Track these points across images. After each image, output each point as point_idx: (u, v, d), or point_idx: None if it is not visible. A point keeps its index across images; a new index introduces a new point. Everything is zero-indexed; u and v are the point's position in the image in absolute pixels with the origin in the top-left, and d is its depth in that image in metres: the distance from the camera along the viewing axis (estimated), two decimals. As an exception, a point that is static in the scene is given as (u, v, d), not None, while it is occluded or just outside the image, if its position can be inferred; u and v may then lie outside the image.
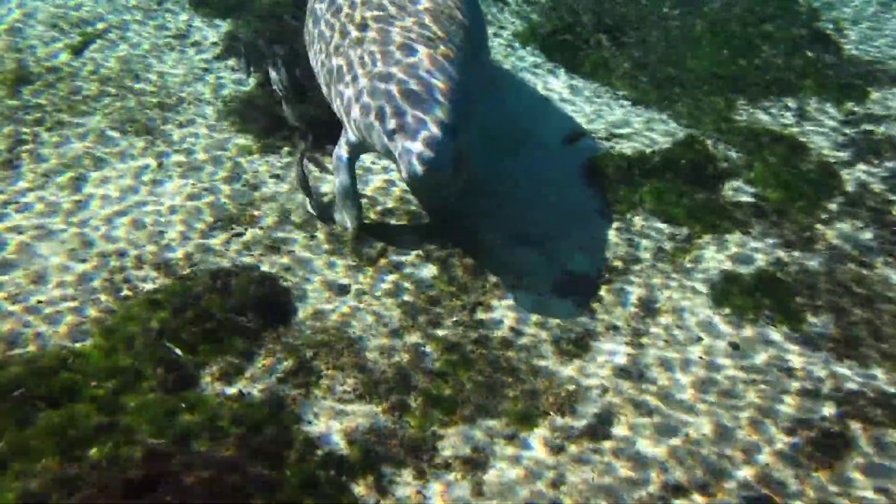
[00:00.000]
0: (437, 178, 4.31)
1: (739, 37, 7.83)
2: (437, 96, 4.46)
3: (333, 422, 3.89)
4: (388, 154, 4.58)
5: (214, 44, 7.31)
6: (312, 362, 4.20)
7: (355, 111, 4.73)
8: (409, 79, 4.53)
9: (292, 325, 4.45)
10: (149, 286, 4.52)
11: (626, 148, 6.30)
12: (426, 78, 4.53)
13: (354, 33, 4.95)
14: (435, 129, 4.30)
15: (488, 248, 5.06)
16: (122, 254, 4.79)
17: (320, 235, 5.09)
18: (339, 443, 3.77)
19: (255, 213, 5.32)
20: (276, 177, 5.74)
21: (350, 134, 4.98)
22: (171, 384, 3.89)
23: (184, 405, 3.76)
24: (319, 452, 3.69)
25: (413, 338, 4.41)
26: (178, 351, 4.08)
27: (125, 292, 4.48)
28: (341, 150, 5.08)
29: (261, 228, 5.18)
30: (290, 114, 5.84)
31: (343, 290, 4.75)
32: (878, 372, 4.23)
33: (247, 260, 4.87)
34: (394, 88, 4.51)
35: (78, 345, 4.12)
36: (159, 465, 3.21)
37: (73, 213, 5.13)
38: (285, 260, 4.91)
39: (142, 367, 3.98)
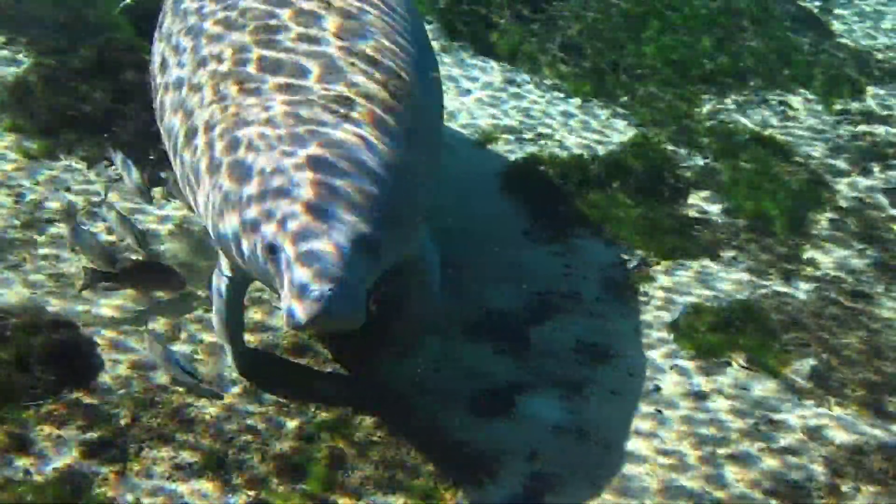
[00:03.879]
0: (337, 324, 4.09)
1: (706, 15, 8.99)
2: (345, 191, 4.18)
3: (161, 506, 4.27)
4: (270, 285, 4.36)
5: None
6: (129, 431, 4.57)
7: (216, 221, 4.48)
8: (299, 167, 4.24)
9: (98, 382, 4.82)
10: None
11: (558, 151, 7.12)
12: (330, 164, 4.26)
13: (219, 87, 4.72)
14: (334, 248, 3.99)
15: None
16: None
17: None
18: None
19: (38, 237, 5.71)
20: (68, 189, 6.17)
21: (222, 260, 4.85)
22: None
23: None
24: (146, 542, 4.05)
25: (272, 397, 4.87)
26: None
27: None
28: (220, 281, 4.94)
29: (45, 259, 5.55)
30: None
31: (172, 335, 5.18)
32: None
33: (29, 297, 5.21)
34: (274, 186, 4.22)
35: None
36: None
37: None
38: (84, 299, 5.29)
39: None
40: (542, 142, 7.30)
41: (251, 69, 4.71)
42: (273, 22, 4.89)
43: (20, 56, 7.43)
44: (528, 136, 7.38)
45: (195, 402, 4.77)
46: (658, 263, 6.15)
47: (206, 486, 4.37)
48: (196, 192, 4.71)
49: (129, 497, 4.26)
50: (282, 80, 4.64)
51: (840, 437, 4.94)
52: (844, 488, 4.64)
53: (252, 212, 4.23)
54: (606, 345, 5.49)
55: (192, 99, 4.81)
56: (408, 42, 5.18)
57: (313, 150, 4.31)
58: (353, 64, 4.77)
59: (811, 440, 4.92)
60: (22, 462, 4.34)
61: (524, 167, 6.90)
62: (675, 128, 7.58)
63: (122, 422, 4.61)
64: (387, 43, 5.02)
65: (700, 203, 6.79)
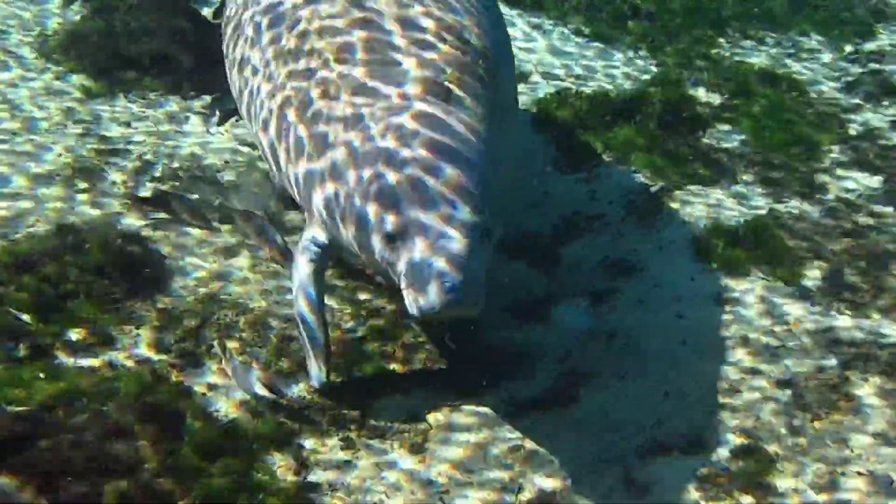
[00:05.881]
0: (465, 311, 4.11)
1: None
2: (462, 179, 4.22)
3: (235, 393, 4.67)
4: (382, 270, 4.40)
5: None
6: (200, 330, 4.98)
7: (323, 200, 4.54)
8: (415, 153, 4.27)
9: (170, 288, 5.23)
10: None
11: (583, 89, 7.48)
12: (444, 150, 4.30)
13: (322, 72, 4.73)
14: (461, 236, 4.05)
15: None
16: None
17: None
18: (243, 415, 4.54)
19: (104, 163, 6.12)
20: (126, 124, 6.57)
21: (315, 230, 4.81)
22: (22, 355, 4.57)
23: (41, 376, 4.44)
24: (222, 421, 4.45)
25: (328, 303, 5.26)
26: (23, 316, 4.76)
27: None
28: (302, 258, 4.84)
29: (113, 183, 5.95)
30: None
31: (230, 252, 5.57)
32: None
33: (99, 216, 5.64)
34: (391, 172, 4.24)
35: None
36: (30, 427, 3.90)
37: None
38: (153, 221, 5.70)
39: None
40: (569, 81, 7.64)
41: (351, 48, 4.75)
42: None
43: (77, 6, 7.84)
44: (556, 76, 7.73)
45: (256, 307, 5.19)
46: (679, 188, 6.50)
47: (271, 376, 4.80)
48: (295, 173, 4.77)
49: (203, 386, 4.70)
50: (378, 58, 4.68)
51: (850, 335, 5.30)
52: (854, 379, 5.01)
53: (373, 200, 4.25)
54: (632, 260, 5.84)
55: (292, 84, 4.84)
56: (484, 12, 5.19)
57: (430, 137, 4.35)
58: (444, 40, 4.81)
59: (824, 338, 5.28)
60: (106, 356, 4.77)
61: (551, 104, 7.23)
62: (693, 68, 7.91)
63: (193, 322, 5.04)
64: (469, 16, 5.03)
65: (718, 135, 7.12)
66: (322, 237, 4.76)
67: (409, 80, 4.59)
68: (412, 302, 4.04)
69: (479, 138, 4.47)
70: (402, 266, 4.12)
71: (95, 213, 5.68)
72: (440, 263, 3.97)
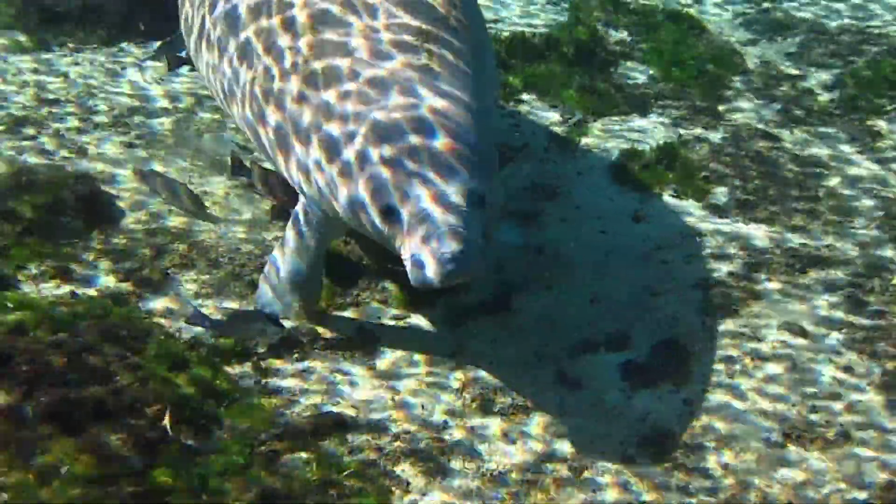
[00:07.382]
0: (466, 279, 4.17)
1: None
2: (454, 144, 4.17)
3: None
4: (382, 242, 4.36)
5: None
6: (154, 262, 5.18)
7: (317, 178, 4.43)
8: (405, 122, 4.20)
9: (122, 225, 5.42)
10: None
11: (501, 31, 7.81)
12: (431, 119, 4.21)
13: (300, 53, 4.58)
14: (456, 206, 4.03)
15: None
16: None
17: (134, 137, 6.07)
18: (204, 333, 4.78)
19: (47, 113, 6.26)
20: (64, 75, 6.68)
21: (310, 204, 4.73)
22: (-16, 285, 4.73)
23: (9, 304, 4.60)
24: (184, 338, 4.68)
25: (273, 234, 5.49)
26: None
27: None
28: (305, 232, 4.82)
29: (56, 133, 6.08)
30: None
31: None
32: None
33: (48, 162, 5.79)
34: (381, 144, 4.16)
35: None
36: (7, 346, 4.08)
37: None
38: (99, 165, 5.85)
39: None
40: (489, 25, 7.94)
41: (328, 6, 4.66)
42: None
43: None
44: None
45: (207, 237, 5.41)
46: (595, 120, 6.88)
47: (229, 303, 5.04)
48: (287, 153, 4.63)
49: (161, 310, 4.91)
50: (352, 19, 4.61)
51: (754, 242, 5.75)
52: (759, 279, 5.46)
53: (366, 174, 4.21)
54: (555, 185, 6.20)
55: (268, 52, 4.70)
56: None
57: (417, 103, 4.29)
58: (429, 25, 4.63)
59: (730, 246, 5.72)
60: (67, 287, 4.95)
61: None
62: (602, 9, 8.31)
63: (148, 253, 5.24)
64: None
65: (628, 71, 7.52)
66: (317, 210, 4.72)
67: (386, 43, 4.51)
68: (414, 275, 4.07)
69: (467, 97, 4.42)
70: (401, 239, 4.15)
71: (44, 158, 5.83)
72: (438, 236, 3.98)
